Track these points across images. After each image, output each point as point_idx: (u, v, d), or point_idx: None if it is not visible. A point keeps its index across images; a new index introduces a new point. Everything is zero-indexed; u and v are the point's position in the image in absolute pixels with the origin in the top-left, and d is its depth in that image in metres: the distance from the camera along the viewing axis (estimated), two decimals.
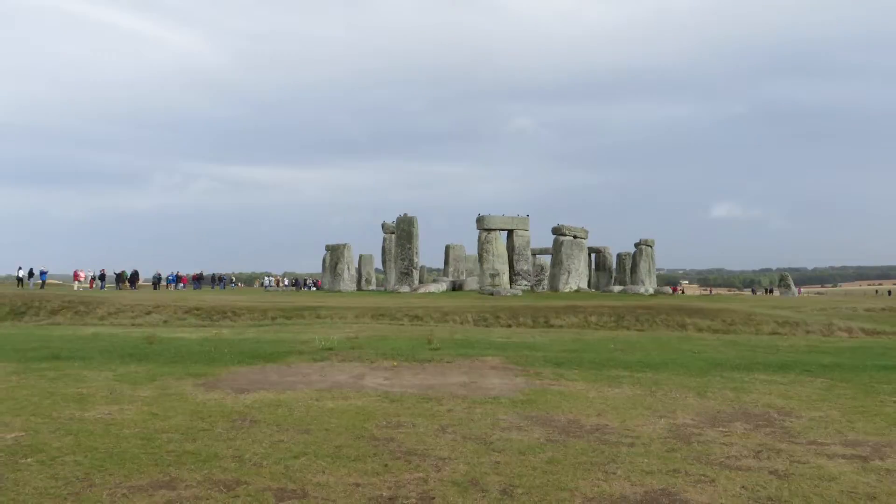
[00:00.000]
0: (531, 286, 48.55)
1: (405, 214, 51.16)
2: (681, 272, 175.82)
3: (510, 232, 51.47)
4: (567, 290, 47.30)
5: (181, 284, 55.97)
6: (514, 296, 40.28)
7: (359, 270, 58.23)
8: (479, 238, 50.85)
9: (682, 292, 70.60)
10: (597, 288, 55.54)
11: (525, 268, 50.70)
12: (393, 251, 53.42)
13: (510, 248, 51.22)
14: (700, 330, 24.63)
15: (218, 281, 63.96)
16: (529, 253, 51.57)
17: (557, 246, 50.29)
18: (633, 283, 53.13)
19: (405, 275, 50.14)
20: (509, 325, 25.56)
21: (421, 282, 51.96)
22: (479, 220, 51.08)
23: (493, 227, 50.62)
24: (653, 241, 58.41)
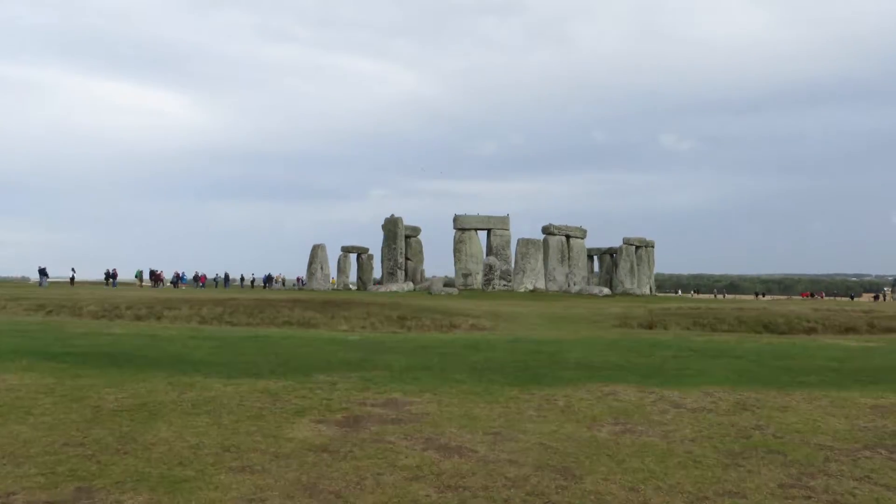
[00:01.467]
0: (481, 286, 46.97)
1: (392, 216, 50.28)
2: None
3: (489, 231, 50.12)
4: (522, 290, 45.26)
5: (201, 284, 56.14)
6: (449, 295, 38.76)
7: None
8: (454, 238, 49.90)
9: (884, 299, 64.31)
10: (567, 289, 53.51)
11: (504, 267, 49.13)
12: (380, 252, 52.42)
13: (488, 247, 49.86)
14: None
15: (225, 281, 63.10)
16: (510, 252, 49.87)
17: (519, 246, 48.75)
18: (613, 284, 51.10)
19: (391, 274, 49.56)
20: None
21: (416, 281, 50.82)
22: (455, 220, 49.98)
23: (468, 227, 49.49)
24: (652, 242, 56.38)
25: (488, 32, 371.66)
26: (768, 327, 22.68)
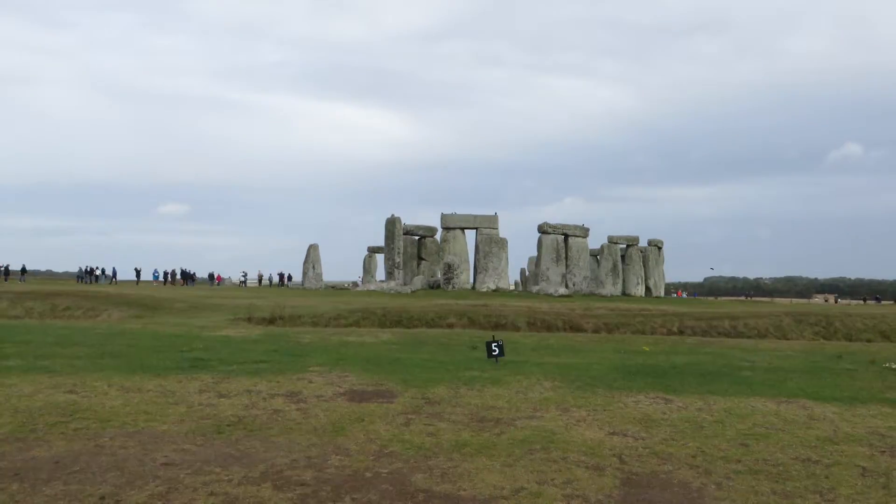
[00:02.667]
0: (440, 284, 45.54)
1: (392, 216, 50.27)
2: None
3: (476, 230, 48.98)
4: (483, 290, 44.76)
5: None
6: (399, 294, 37.66)
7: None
8: (440, 237, 48.99)
9: None
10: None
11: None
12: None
13: (475, 246, 48.56)
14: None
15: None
16: (497, 250, 48.16)
17: (482, 245, 47.28)
18: (598, 286, 48.86)
19: (389, 273, 49.67)
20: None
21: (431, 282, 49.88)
22: (442, 219, 49.10)
23: (453, 226, 48.61)
24: (659, 242, 54.52)
25: (696, 49, 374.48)
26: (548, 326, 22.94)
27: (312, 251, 54.84)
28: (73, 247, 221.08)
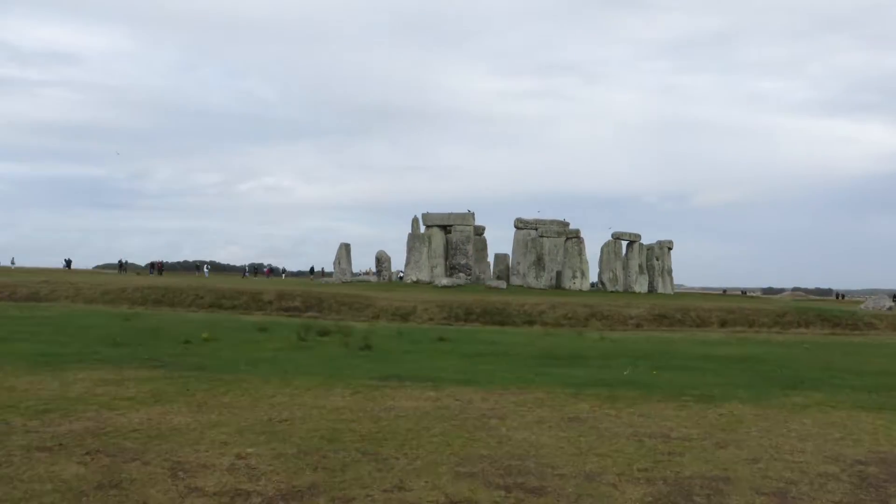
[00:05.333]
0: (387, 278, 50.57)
1: (415, 217, 53.67)
2: None
3: (450, 228, 52.18)
4: (408, 282, 49.27)
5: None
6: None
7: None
8: (423, 234, 52.40)
9: None
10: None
11: (463, 262, 51.32)
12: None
13: (448, 243, 51.94)
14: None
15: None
16: (470, 248, 51.90)
17: (408, 241, 51.40)
18: (561, 281, 52.20)
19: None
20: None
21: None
22: (423, 217, 52.36)
23: (430, 224, 51.61)
24: (629, 236, 57.04)
25: None
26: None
27: (343, 249, 56.07)
28: None
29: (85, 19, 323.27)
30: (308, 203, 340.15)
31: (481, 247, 55.27)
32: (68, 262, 67.03)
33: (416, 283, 48.20)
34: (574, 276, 50.82)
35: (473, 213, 52.50)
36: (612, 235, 53.92)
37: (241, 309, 30.70)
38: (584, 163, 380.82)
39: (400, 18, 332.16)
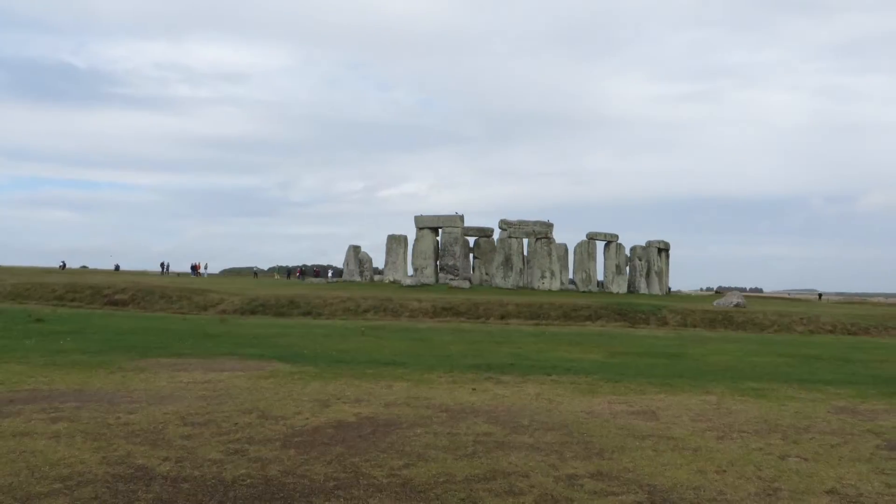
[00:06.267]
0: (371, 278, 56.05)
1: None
2: None
3: (439, 229, 56.51)
4: (386, 281, 53.98)
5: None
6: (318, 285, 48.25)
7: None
8: (415, 236, 57.96)
9: None
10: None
11: (451, 262, 56.67)
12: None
13: (437, 244, 57.19)
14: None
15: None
16: (458, 249, 57.08)
17: (388, 242, 56.84)
18: (529, 280, 56.02)
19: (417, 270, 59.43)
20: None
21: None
22: (415, 220, 57.89)
23: (421, 226, 56.74)
24: (611, 236, 59.73)
25: None
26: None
27: (351, 251, 60.69)
28: None
29: (249, 39, 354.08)
30: (442, 208, 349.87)
31: (489, 248, 59.77)
32: (116, 267, 74.98)
33: (393, 282, 54.11)
34: (543, 277, 53.61)
35: (462, 216, 57.21)
36: (587, 235, 56.72)
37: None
38: (730, 165, 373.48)
39: (553, 30, 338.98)
